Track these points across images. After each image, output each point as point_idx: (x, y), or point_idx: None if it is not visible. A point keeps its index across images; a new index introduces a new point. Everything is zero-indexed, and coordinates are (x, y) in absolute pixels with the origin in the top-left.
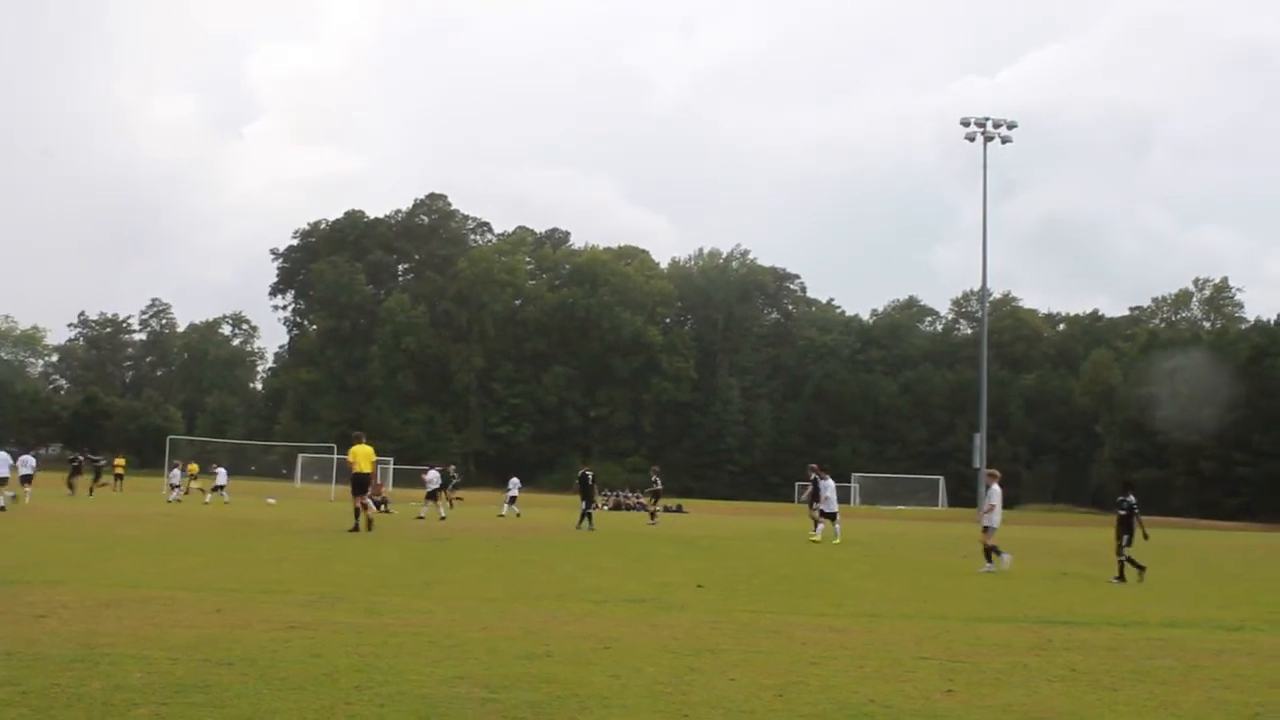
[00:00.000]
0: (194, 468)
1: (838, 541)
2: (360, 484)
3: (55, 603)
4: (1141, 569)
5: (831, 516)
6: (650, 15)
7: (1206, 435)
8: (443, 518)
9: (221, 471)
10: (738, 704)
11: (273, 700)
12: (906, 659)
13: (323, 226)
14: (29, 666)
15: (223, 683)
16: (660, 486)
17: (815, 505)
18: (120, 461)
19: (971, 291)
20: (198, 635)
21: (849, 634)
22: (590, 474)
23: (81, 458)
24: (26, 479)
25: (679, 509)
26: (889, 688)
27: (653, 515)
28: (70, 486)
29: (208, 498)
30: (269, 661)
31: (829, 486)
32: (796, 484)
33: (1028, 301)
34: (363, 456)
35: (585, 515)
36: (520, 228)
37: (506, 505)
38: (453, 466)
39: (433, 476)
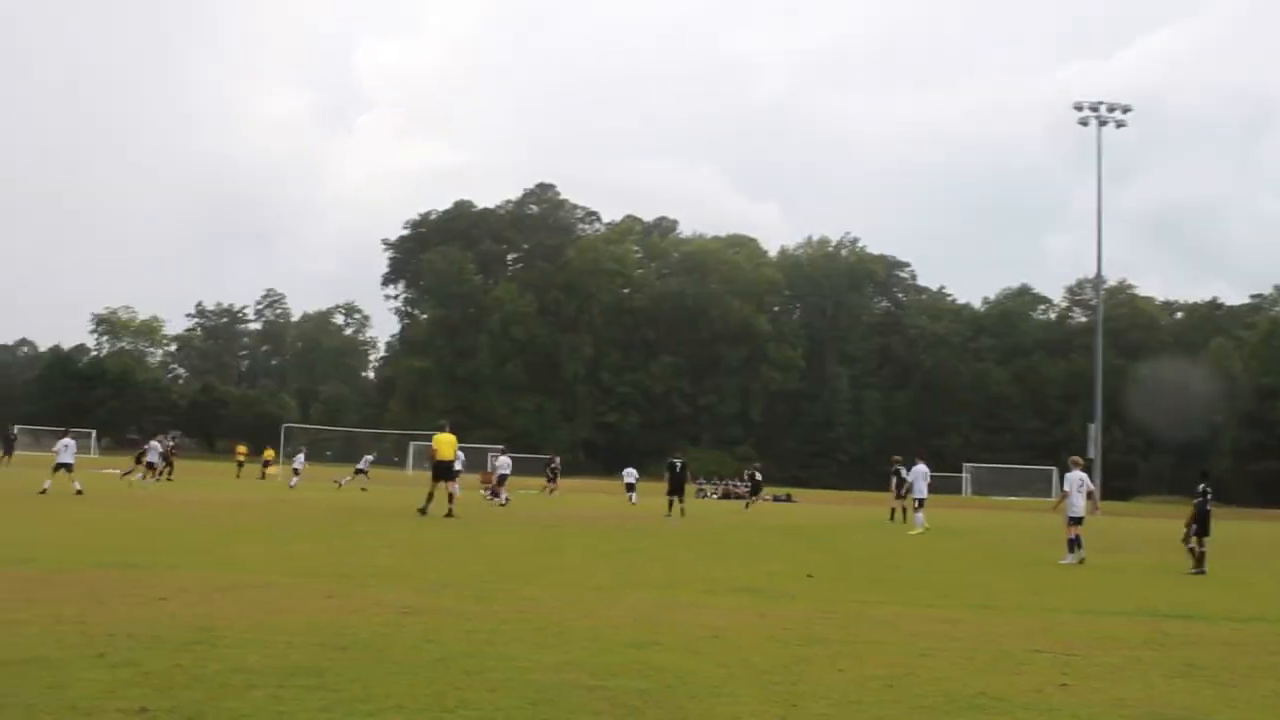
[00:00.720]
0: (270, 453)
1: (917, 532)
2: (441, 470)
3: (175, 586)
4: (1199, 567)
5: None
6: (753, 2)
7: None
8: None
9: (367, 459)
10: (846, 694)
11: (385, 684)
12: (1019, 651)
13: (432, 216)
14: (149, 648)
15: (337, 666)
16: (760, 479)
17: (906, 496)
18: (269, 453)
19: (1086, 279)
20: (312, 620)
21: (960, 625)
22: (679, 462)
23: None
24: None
25: (788, 498)
26: (1001, 680)
27: (747, 504)
28: None
29: (343, 481)
30: (382, 646)
31: (923, 473)
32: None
33: (1144, 289)
34: (445, 444)
35: (671, 504)
36: (628, 216)
37: (632, 494)
38: (557, 459)
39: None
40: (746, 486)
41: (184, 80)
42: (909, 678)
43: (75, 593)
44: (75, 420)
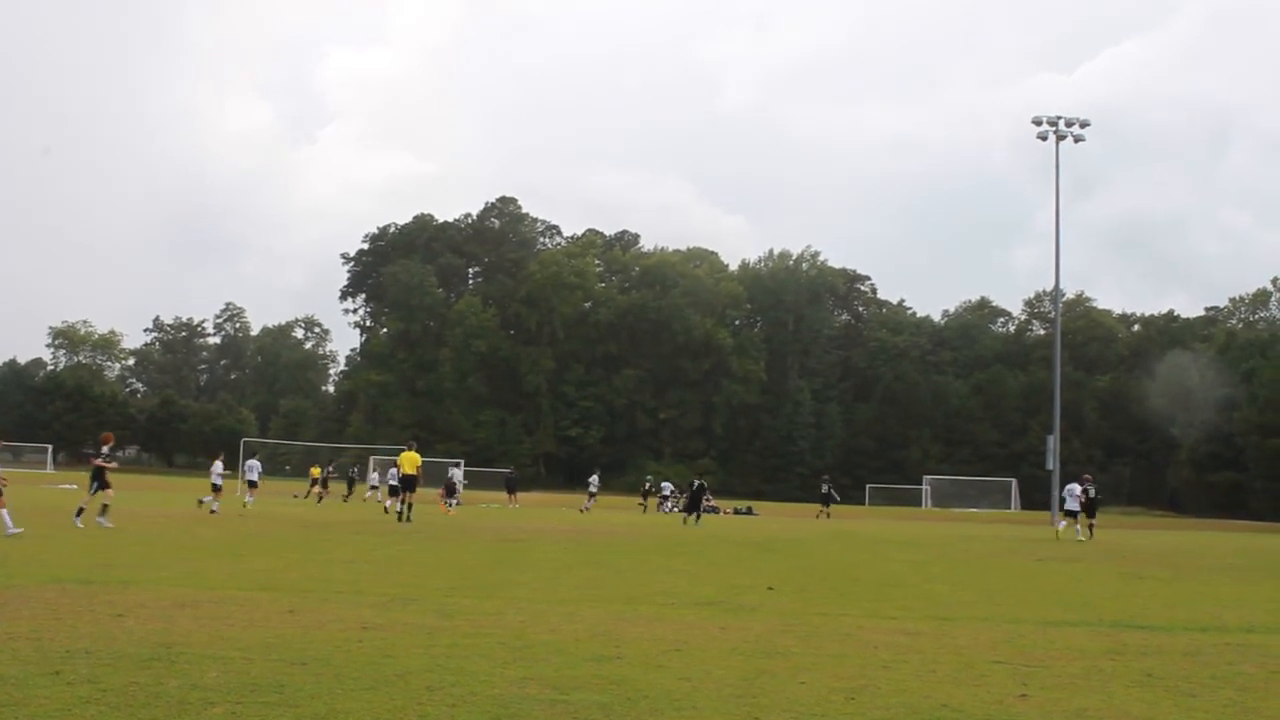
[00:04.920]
0: (316, 471)
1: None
2: (406, 484)
3: (133, 602)
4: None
5: (1073, 515)
6: (722, 13)
7: None
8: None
9: (374, 476)
10: (808, 707)
11: (346, 700)
12: (979, 663)
13: (392, 230)
14: (108, 665)
15: (297, 682)
16: (825, 491)
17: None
18: (315, 470)
19: (1044, 292)
20: (272, 635)
21: (921, 637)
22: (698, 483)
23: None
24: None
25: (749, 511)
26: (961, 691)
27: (822, 514)
28: None
29: (369, 496)
30: (342, 662)
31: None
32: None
33: (1102, 302)
34: (406, 461)
35: (695, 515)
36: (590, 230)
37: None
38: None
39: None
40: (820, 502)
41: (145, 90)
42: (870, 690)
43: (31, 609)
44: (31, 435)
